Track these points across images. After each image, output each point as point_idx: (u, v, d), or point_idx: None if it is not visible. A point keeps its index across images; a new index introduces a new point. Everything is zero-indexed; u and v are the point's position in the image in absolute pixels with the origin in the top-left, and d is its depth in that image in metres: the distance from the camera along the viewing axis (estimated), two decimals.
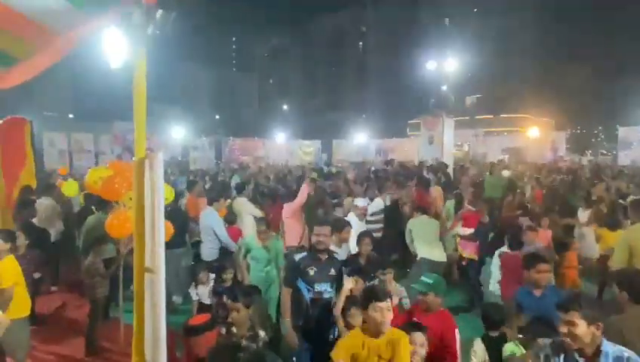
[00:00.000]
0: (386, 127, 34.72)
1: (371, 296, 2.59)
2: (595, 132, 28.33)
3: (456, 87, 23.41)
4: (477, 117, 32.96)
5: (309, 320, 3.45)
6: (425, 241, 5.88)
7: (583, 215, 7.05)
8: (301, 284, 3.54)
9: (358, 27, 50.34)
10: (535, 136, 22.01)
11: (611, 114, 26.90)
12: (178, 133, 22.64)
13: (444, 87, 21.41)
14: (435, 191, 7.08)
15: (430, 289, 3.26)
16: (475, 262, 6.01)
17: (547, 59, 36.93)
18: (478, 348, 3.21)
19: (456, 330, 3.18)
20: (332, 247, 4.76)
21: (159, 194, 2.03)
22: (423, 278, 3.37)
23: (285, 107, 45.34)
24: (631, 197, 7.21)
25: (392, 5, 44.02)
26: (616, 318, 2.86)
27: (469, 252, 6.03)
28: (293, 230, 5.98)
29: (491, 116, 33.33)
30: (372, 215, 6.83)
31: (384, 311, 2.52)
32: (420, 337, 2.76)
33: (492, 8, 38.38)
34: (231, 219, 6.12)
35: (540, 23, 38.15)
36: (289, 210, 6.09)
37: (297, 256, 3.66)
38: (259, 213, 6.37)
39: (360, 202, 6.15)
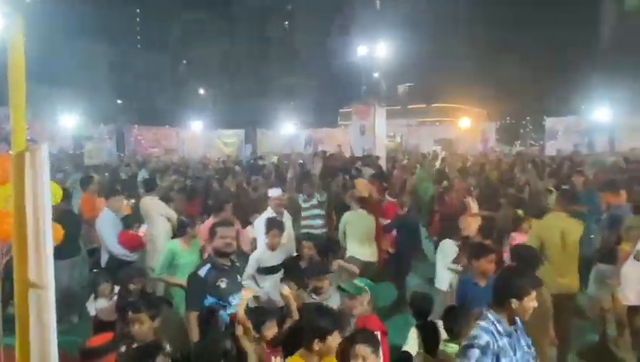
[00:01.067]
0: (316, 116, 35.20)
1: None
2: (524, 122, 31.21)
3: (388, 74, 24.43)
4: (409, 106, 34.56)
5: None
6: (357, 238, 6.00)
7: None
8: (211, 302, 3.37)
9: (284, 5, 50.24)
10: (467, 127, 23.65)
11: (539, 105, 29.80)
12: (69, 120, 20.98)
13: (376, 75, 22.27)
14: (360, 183, 7.39)
15: (359, 293, 3.35)
16: (391, 254, 6.35)
17: (479, 49, 39.80)
18: (414, 335, 3.50)
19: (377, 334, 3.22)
20: (265, 252, 4.80)
21: (44, 194, 1.89)
22: (355, 281, 3.51)
23: (202, 92, 43.88)
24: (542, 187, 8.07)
25: None
26: None
27: (385, 243, 6.35)
28: None
29: (424, 105, 35.14)
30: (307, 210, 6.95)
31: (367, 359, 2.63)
32: (362, 350, 2.68)
33: None
34: (128, 222, 5.83)
35: (473, 12, 40.96)
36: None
37: (202, 271, 3.43)
38: (172, 214, 6.14)
39: (273, 192, 6.11)
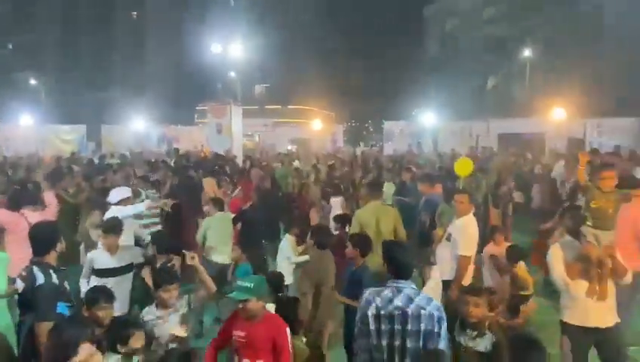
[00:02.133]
0: (171, 113, 33.28)
1: None
2: (367, 125, 34.18)
3: (245, 74, 24.41)
4: (266, 107, 35.04)
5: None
6: (218, 241, 5.99)
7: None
8: (61, 308, 3.17)
9: None
10: (318, 128, 24.95)
11: (379, 110, 32.90)
12: None
13: (232, 74, 22.06)
14: (206, 182, 7.37)
15: (251, 294, 3.03)
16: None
17: (329, 58, 42.23)
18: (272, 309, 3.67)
19: (287, 329, 3.16)
20: (101, 253, 4.49)
21: None
22: (239, 283, 3.11)
23: (33, 82, 38.01)
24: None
25: None
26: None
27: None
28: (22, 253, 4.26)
29: (280, 107, 35.95)
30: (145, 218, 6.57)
31: None
32: None
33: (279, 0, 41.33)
34: None
35: (323, 21, 43.26)
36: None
37: (54, 278, 3.23)
38: None
39: (119, 193, 5.74)
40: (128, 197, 5.68)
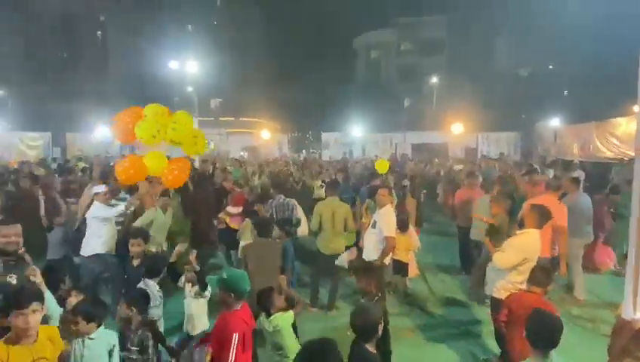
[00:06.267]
0: None
1: (12, 302, 2.22)
2: (308, 135, 34.26)
3: (201, 89, 23.53)
4: (221, 118, 34.06)
5: None
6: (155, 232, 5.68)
7: None
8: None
9: (96, 15, 43.18)
10: (267, 138, 24.71)
11: (317, 122, 33.02)
12: None
13: (190, 88, 21.22)
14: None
15: (220, 285, 2.88)
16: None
17: (274, 76, 41.93)
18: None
19: (235, 335, 2.73)
20: None
21: None
22: (223, 272, 3.00)
23: (0, 92, 34.22)
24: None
25: (134, 3, 39.84)
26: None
27: (236, 223, 6.29)
28: None
29: (233, 118, 35.10)
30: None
31: (28, 318, 2.20)
32: None
33: (230, 25, 40.42)
34: None
35: (270, 46, 43.02)
36: None
37: None
38: None
39: (98, 188, 5.40)
40: (103, 193, 5.35)
